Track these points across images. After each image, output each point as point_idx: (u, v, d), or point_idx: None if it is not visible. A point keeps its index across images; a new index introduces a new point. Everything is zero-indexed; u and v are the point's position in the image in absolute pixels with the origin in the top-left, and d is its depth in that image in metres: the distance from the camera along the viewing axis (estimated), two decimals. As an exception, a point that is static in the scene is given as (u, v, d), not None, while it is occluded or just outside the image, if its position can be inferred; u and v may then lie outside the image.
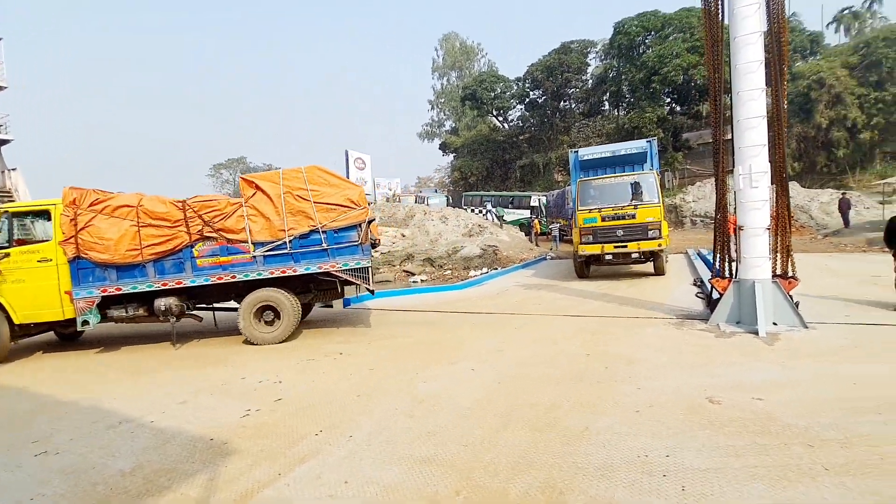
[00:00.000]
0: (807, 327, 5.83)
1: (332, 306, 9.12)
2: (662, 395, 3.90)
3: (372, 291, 7.46)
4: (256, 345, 6.81)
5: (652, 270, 11.63)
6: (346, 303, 10.17)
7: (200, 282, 6.90)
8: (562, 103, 46.17)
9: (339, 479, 2.86)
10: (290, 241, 6.85)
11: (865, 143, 27.55)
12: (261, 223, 6.85)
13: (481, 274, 17.96)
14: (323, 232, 6.87)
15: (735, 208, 6.52)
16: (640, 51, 37.57)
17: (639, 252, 10.89)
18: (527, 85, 45.69)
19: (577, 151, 13.50)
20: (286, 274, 6.92)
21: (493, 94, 46.10)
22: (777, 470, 2.66)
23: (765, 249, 6.13)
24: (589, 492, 2.55)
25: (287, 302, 6.92)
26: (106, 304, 6.94)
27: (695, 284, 10.01)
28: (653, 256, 11.21)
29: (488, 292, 11.26)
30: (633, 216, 10.75)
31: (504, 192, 37.78)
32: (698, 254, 15.22)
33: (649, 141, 13.01)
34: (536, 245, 25.32)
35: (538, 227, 26.26)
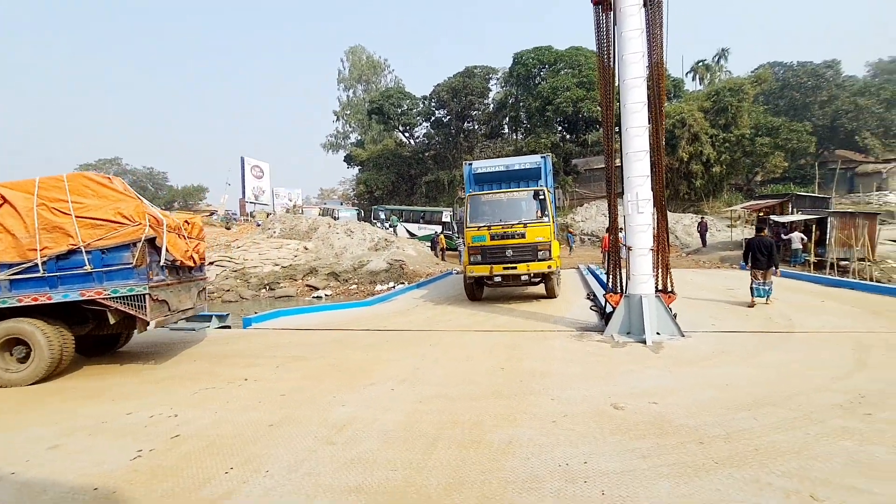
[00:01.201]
0: (684, 336, 6.65)
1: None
2: (574, 405, 4.18)
3: (146, 323, 6.09)
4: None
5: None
6: (247, 322, 9.46)
7: None
8: (466, 124, 48.06)
9: (258, 519, 2.62)
10: (43, 263, 5.86)
11: (716, 175, 32.54)
12: (6, 241, 5.90)
13: (388, 289, 17.84)
14: (87, 252, 5.89)
15: (622, 229, 7.29)
16: (536, 81, 40.66)
17: (528, 274, 10.15)
18: (433, 104, 46.91)
19: (471, 164, 12.73)
20: (38, 302, 5.88)
21: (399, 111, 46.59)
22: (678, 467, 2.98)
23: (649, 267, 6.91)
24: (519, 505, 2.64)
25: (40, 335, 5.78)
26: None
27: (589, 298, 10.94)
28: (544, 278, 10.62)
29: (399, 308, 11.20)
30: (523, 235, 10.05)
31: (416, 207, 37.92)
32: (588, 269, 16.67)
33: (544, 157, 12.55)
34: (443, 259, 25.81)
35: (443, 242, 26.79)
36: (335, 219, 37.97)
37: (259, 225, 40.88)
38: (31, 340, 5.81)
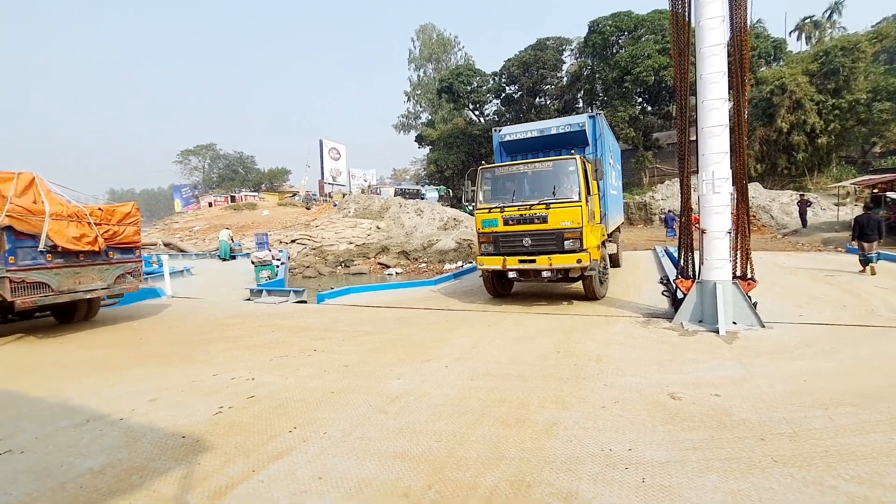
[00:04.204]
0: (764, 326, 6.16)
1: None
2: (627, 392, 4.08)
3: (13, 302, 6.82)
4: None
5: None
6: (320, 298, 10.13)
7: None
8: (537, 99, 46.68)
9: (314, 475, 2.90)
10: None
11: (823, 147, 28.92)
12: None
13: (456, 268, 18.10)
14: None
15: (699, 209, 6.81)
16: (614, 50, 38.31)
17: (550, 269, 7.96)
18: (503, 80, 45.98)
19: (499, 130, 10.48)
20: None
21: (469, 88, 46.22)
22: (730, 462, 2.85)
23: (725, 252, 6.42)
24: (555, 484, 2.68)
25: None
26: None
27: (661, 283, 10.37)
28: (581, 276, 8.28)
29: (462, 288, 11.38)
30: (545, 219, 7.93)
31: None
32: (666, 251, 15.74)
33: (592, 116, 9.85)
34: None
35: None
36: (421, 198, 38.99)
37: (336, 205, 42.98)
38: None
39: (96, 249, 7.98)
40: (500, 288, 9.48)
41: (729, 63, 6.24)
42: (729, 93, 6.36)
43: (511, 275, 8.52)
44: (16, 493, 2.88)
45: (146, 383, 4.95)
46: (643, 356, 5.21)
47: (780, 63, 33.45)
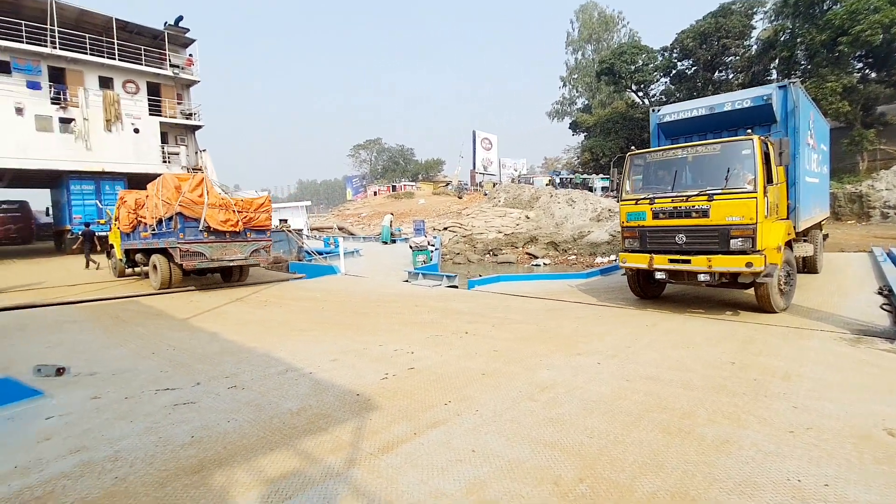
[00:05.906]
0: None
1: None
2: (825, 419, 3.43)
3: (182, 268, 10.34)
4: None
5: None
6: (471, 284, 10.58)
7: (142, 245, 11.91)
8: (716, 74, 41.07)
9: (467, 447, 3.09)
10: (157, 225, 10.70)
11: None
12: (151, 213, 10.92)
13: (609, 262, 17.13)
14: (165, 220, 10.31)
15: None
16: (824, 7, 31.46)
17: (710, 272, 6.78)
18: (674, 55, 41.44)
19: (657, 110, 9.01)
20: (157, 246, 10.93)
21: (633, 68, 42.75)
22: (981, 527, 2.22)
23: None
24: (726, 506, 2.41)
25: (158, 263, 10.73)
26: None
27: (881, 294, 8.36)
28: (753, 282, 6.73)
29: (615, 284, 10.74)
30: (705, 213, 6.70)
31: None
32: (889, 254, 12.58)
33: (783, 86, 7.77)
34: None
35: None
36: (591, 189, 37.99)
37: (486, 194, 44.00)
38: (157, 266, 10.78)
39: (237, 230, 10.86)
40: (646, 289, 8.48)
41: None
42: None
43: (659, 275, 7.46)
44: (240, 418, 3.67)
45: (327, 345, 5.82)
46: (848, 380, 4.30)
47: None
